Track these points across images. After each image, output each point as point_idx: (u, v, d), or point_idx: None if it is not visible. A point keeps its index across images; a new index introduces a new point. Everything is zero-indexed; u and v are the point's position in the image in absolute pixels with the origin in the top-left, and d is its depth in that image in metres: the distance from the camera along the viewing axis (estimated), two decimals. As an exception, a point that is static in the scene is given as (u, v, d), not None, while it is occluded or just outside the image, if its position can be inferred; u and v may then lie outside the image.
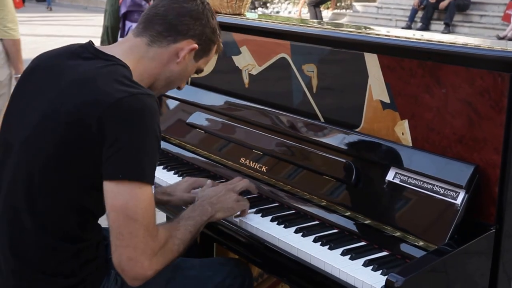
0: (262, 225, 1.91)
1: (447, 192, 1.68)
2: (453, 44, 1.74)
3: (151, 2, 3.06)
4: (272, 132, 2.21)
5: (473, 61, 1.65)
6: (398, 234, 1.75)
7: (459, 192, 1.66)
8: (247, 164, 2.22)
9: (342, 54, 2.05)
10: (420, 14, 13.35)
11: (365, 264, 1.68)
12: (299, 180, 2.06)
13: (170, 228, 1.72)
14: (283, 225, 1.91)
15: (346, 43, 2.02)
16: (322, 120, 2.12)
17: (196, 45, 1.81)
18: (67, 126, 1.62)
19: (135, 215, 1.58)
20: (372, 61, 1.92)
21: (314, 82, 2.13)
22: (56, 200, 1.66)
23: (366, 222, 1.85)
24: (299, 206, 2.02)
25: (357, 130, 1.99)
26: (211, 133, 2.41)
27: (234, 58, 2.45)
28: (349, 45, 2.00)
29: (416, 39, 1.86)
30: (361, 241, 1.81)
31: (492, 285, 1.69)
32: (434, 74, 1.75)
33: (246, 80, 2.42)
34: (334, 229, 1.88)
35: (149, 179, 1.61)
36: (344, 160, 1.94)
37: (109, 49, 1.79)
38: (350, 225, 1.87)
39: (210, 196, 1.91)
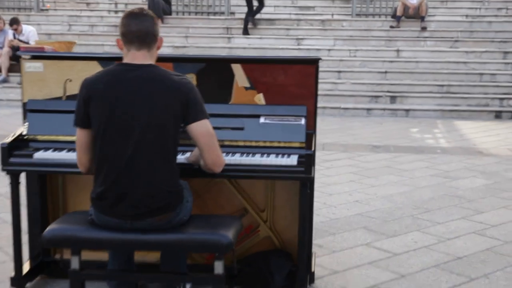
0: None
1: (296, 120, 3.75)
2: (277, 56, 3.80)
3: None
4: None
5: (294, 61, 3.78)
6: (278, 145, 3.72)
7: (302, 119, 3.75)
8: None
9: (214, 65, 3.85)
10: None
11: (276, 156, 3.59)
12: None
13: None
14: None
15: (218, 59, 3.84)
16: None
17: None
18: (171, 107, 3.07)
19: (214, 133, 3.19)
20: (236, 67, 3.80)
21: (194, 82, 3.84)
22: (172, 144, 3.11)
23: (254, 144, 3.73)
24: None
25: (229, 103, 3.84)
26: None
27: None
28: (220, 61, 3.84)
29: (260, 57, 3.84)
30: (259, 154, 3.67)
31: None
32: (275, 69, 3.79)
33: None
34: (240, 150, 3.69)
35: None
36: (235, 118, 3.78)
37: (139, 60, 3.18)
38: (251, 149, 3.72)
39: None
